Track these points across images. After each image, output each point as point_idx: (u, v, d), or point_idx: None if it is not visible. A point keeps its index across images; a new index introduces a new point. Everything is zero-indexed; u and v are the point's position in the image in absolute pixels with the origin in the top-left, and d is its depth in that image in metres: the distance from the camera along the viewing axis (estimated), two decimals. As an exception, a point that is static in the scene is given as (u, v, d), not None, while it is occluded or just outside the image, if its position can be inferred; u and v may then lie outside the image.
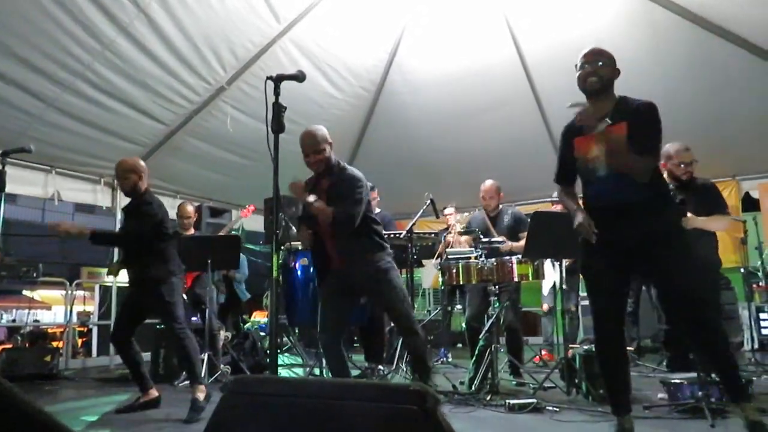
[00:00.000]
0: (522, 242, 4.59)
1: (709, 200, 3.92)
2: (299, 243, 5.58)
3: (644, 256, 2.70)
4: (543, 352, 6.36)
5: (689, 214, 3.72)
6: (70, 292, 7.52)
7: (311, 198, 3.26)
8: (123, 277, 7.56)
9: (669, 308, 2.93)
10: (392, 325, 6.26)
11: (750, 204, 7.67)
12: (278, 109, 2.60)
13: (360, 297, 3.77)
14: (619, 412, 2.80)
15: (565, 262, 4.72)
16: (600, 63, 2.79)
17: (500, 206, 5.16)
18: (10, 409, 0.95)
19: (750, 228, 6.55)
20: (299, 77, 2.71)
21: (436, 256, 6.01)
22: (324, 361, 3.82)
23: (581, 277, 6.55)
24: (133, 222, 4.03)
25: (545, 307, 6.64)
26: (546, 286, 6.63)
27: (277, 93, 2.64)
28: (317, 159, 3.36)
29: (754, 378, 3.72)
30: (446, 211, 5.84)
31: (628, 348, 5.13)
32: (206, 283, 5.38)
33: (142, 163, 4.13)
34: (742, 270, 6.57)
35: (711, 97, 6.20)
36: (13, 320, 17.33)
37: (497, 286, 4.37)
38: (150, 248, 3.95)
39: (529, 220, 4.53)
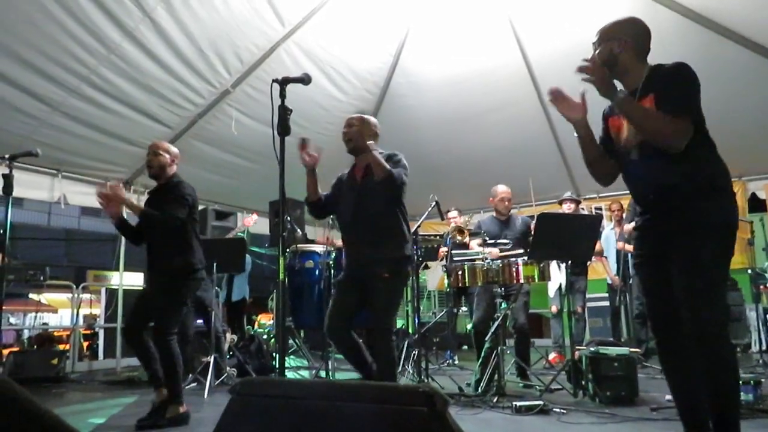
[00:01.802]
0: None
1: None
2: (304, 246, 5.61)
3: (671, 250, 2.28)
4: (553, 354, 6.35)
5: None
6: (76, 295, 7.56)
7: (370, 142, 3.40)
8: (129, 280, 7.60)
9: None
10: (398, 327, 6.27)
11: (757, 205, 7.63)
12: (284, 112, 2.60)
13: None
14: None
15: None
16: (595, 46, 2.53)
17: (511, 213, 5.19)
18: (19, 411, 0.95)
19: (757, 229, 6.53)
20: (305, 80, 2.71)
21: (439, 258, 6.02)
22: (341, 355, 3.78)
23: (588, 278, 6.61)
24: (164, 204, 3.69)
25: (554, 308, 6.63)
26: (552, 288, 6.62)
27: (283, 96, 2.64)
28: (348, 132, 3.52)
29: (763, 380, 3.69)
30: (450, 215, 5.85)
31: (636, 350, 5.15)
32: (210, 286, 5.39)
33: (176, 149, 3.97)
34: (749, 271, 6.54)
35: (717, 97, 6.15)
36: (20, 323, 17.39)
37: (503, 289, 4.37)
38: (178, 235, 3.69)
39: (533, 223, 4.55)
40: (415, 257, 4.59)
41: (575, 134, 2.54)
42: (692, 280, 2.18)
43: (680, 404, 2.35)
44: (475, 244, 5.14)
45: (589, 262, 6.35)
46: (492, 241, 4.56)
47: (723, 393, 2.17)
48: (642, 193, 2.46)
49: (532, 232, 4.61)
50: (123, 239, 7.11)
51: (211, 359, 4.90)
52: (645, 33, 2.52)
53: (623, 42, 2.46)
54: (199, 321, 5.97)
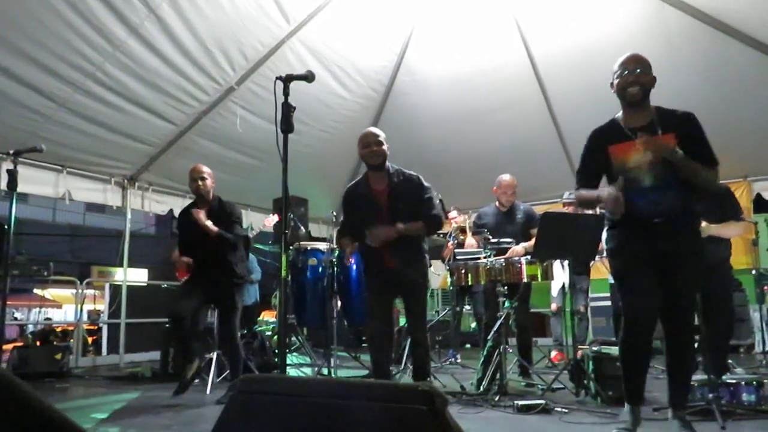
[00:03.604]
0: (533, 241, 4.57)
1: (723, 206, 3.90)
2: (307, 243, 5.61)
3: (667, 268, 2.76)
4: (555, 353, 6.33)
5: (703, 223, 3.69)
6: (80, 290, 7.59)
7: (401, 226, 3.57)
8: (133, 276, 7.63)
9: (664, 321, 2.87)
10: (401, 325, 6.27)
11: (761, 205, 7.60)
12: (288, 109, 2.60)
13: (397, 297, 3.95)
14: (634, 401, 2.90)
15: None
16: (639, 70, 2.75)
17: (514, 202, 5.15)
18: (22, 406, 0.96)
19: (761, 229, 6.48)
20: (309, 77, 2.71)
21: (443, 260, 6.01)
22: (371, 352, 3.90)
23: (590, 277, 6.59)
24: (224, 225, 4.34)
25: (554, 307, 6.61)
26: (555, 287, 6.61)
27: (286, 93, 2.64)
28: (379, 150, 3.65)
29: (765, 381, 3.68)
30: (451, 215, 5.82)
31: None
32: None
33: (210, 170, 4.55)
34: (753, 272, 6.51)
35: (723, 97, 6.15)
36: (24, 318, 17.48)
37: (506, 287, 4.36)
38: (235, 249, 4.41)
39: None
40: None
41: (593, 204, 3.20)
42: (691, 294, 2.86)
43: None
44: (472, 241, 5.12)
45: (592, 262, 6.33)
46: (495, 240, 4.53)
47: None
48: (648, 216, 2.76)
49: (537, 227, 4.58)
50: (127, 235, 7.15)
51: (214, 356, 4.91)
52: None
53: (652, 81, 2.80)
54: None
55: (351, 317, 5.41)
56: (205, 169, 4.51)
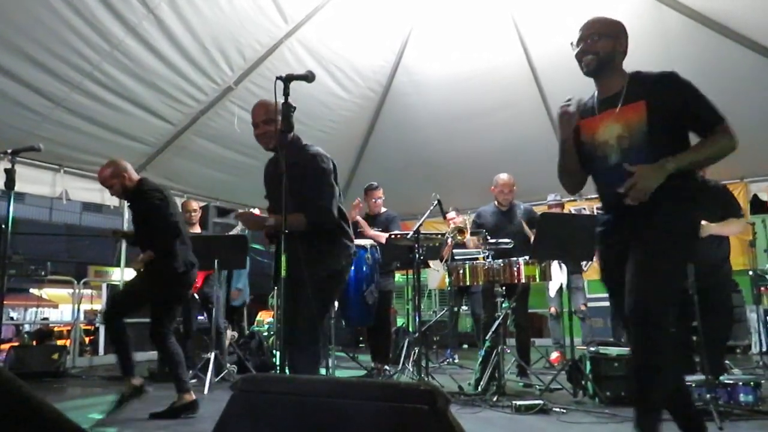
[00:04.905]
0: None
1: (722, 204, 3.90)
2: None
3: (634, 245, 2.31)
4: (555, 355, 6.32)
5: (703, 222, 3.69)
6: (77, 290, 7.57)
7: (271, 221, 2.94)
8: (130, 276, 7.60)
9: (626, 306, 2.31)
10: (399, 325, 6.28)
11: (758, 206, 7.62)
12: (288, 109, 2.60)
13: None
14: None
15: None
16: (592, 39, 2.41)
17: (512, 201, 5.16)
18: (20, 404, 0.96)
19: (759, 230, 6.52)
20: (309, 77, 2.69)
21: (441, 259, 6.02)
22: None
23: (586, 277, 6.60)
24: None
25: (553, 310, 6.61)
26: (552, 288, 6.61)
27: (286, 93, 2.63)
28: (267, 130, 2.98)
29: (763, 381, 3.69)
30: (449, 216, 5.82)
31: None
32: (215, 282, 5.40)
33: (120, 163, 3.98)
34: (750, 273, 6.53)
35: (720, 98, 6.06)
36: (20, 318, 17.42)
37: (504, 287, 4.36)
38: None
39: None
40: (418, 256, 4.59)
41: (562, 147, 2.55)
42: (648, 276, 2.22)
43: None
44: (470, 241, 5.12)
45: (589, 262, 6.34)
46: (493, 240, 4.53)
47: None
48: (616, 196, 2.31)
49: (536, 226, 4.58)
50: (124, 235, 7.12)
51: (212, 356, 4.90)
52: (627, 38, 2.49)
53: (622, 43, 2.44)
54: (201, 317, 5.99)
55: (348, 318, 5.40)
56: (105, 175, 3.92)
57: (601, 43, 2.40)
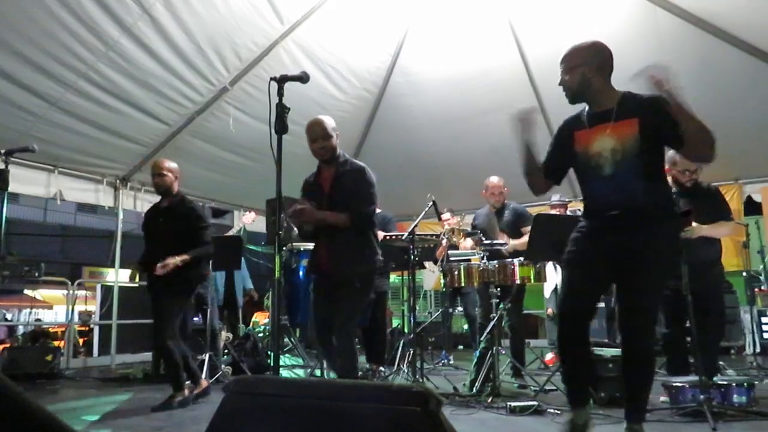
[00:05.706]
0: (525, 238, 4.58)
1: (713, 206, 3.92)
2: (301, 244, 5.60)
3: (623, 266, 2.54)
4: (550, 356, 6.33)
5: (694, 224, 3.71)
6: (71, 291, 7.54)
7: (323, 215, 3.29)
8: (125, 277, 7.59)
9: (620, 323, 2.71)
10: (394, 326, 6.28)
11: (752, 207, 7.65)
12: (282, 110, 2.60)
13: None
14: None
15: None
16: (565, 74, 2.70)
17: (504, 202, 5.17)
18: (12, 407, 0.95)
19: (752, 232, 6.55)
20: (303, 78, 2.70)
21: (436, 261, 6.02)
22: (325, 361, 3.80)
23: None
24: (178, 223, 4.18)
25: (549, 311, 6.62)
26: (547, 289, 6.63)
27: (281, 94, 2.63)
28: (325, 145, 3.32)
29: (756, 382, 3.70)
30: (444, 217, 5.83)
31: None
32: (208, 283, 5.38)
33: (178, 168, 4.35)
34: (744, 274, 6.56)
35: (714, 100, 6.18)
36: (14, 319, 17.35)
37: (499, 288, 4.37)
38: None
39: (531, 216, 4.54)
40: (413, 257, 4.60)
41: (524, 149, 2.95)
42: (651, 297, 2.59)
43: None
44: (466, 244, 5.13)
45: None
46: (488, 242, 4.54)
47: None
48: (606, 207, 2.59)
49: (529, 219, 4.59)
50: (119, 236, 7.11)
51: (206, 357, 4.89)
52: (609, 56, 2.68)
53: (591, 68, 2.64)
54: (196, 318, 5.97)
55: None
56: (169, 164, 4.28)
57: (570, 78, 2.68)
